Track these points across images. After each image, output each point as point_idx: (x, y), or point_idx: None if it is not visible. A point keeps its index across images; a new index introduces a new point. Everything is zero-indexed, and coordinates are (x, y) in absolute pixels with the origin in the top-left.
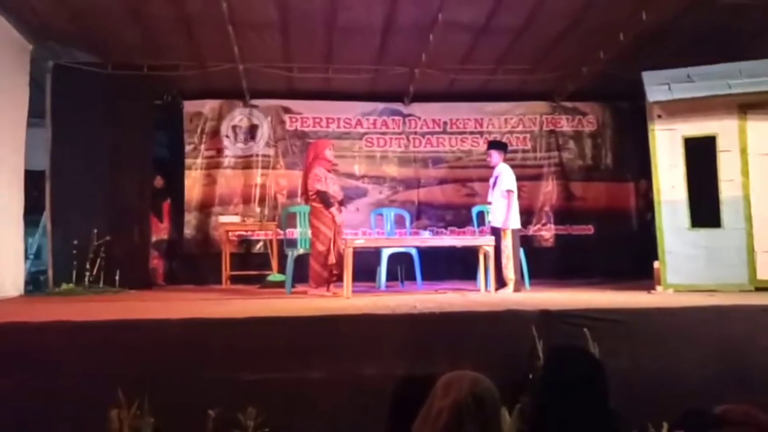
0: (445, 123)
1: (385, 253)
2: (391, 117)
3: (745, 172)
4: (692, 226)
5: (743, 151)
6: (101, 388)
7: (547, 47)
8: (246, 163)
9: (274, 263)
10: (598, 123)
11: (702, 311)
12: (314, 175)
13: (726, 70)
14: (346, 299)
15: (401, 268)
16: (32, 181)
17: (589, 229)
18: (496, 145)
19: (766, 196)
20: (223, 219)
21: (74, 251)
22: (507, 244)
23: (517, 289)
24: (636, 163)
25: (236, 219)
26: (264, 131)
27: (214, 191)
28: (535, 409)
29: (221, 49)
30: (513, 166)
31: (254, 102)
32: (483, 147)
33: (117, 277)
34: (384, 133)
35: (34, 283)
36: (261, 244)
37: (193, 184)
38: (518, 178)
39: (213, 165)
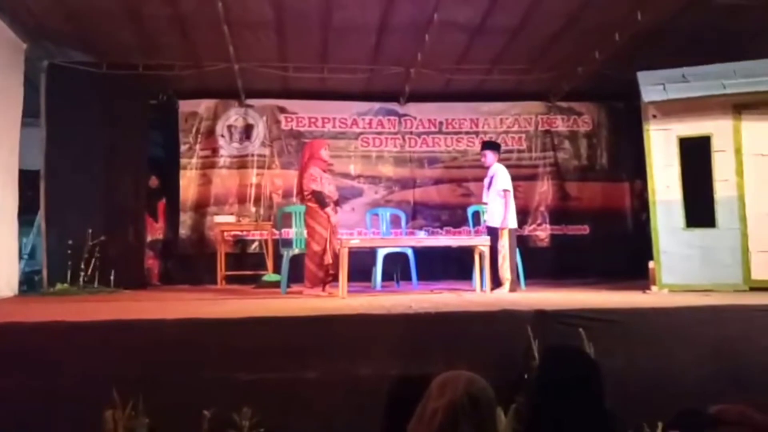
0: (440, 123)
1: (381, 253)
2: (386, 117)
3: (739, 172)
4: (687, 226)
5: (738, 152)
6: (96, 389)
7: (542, 47)
8: (241, 162)
9: (270, 263)
10: (594, 123)
11: (697, 311)
12: (310, 175)
13: (721, 71)
14: (342, 299)
15: (397, 268)
16: (27, 180)
17: (584, 229)
18: (490, 145)
19: (760, 196)
20: (218, 219)
21: (69, 251)
22: (504, 243)
23: (512, 289)
24: (631, 163)
25: (231, 219)
26: (259, 131)
27: (210, 191)
28: (530, 409)
29: (216, 49)
30: (508, 166)
31: (250, 102)
32: (478, 147)
33: (112, 277)
34: (380, 133)
35: (29, 283)
36: (256, 244)
37: (189, 183)
38: (513, 178)
39: (208, 165)
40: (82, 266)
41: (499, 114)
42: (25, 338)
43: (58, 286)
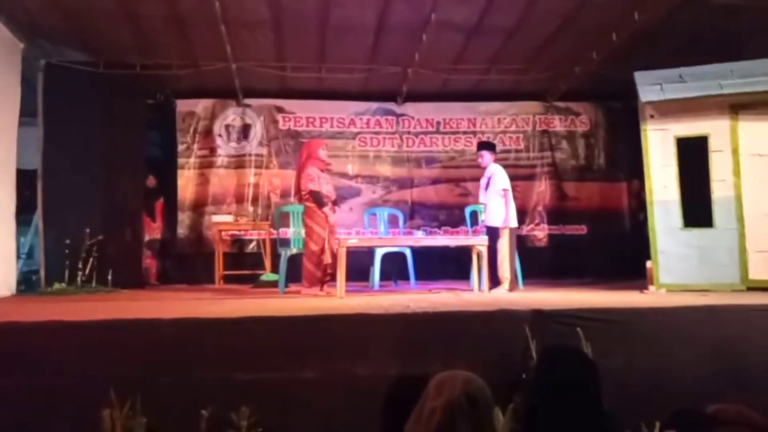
0: (438, 123)
1: (379, 253)
2: (384, 117)
3: (736, 172)
4: (684, 226)
5: (735, 152)
6: (93, 388)
7: (539, 47)
8: (239, 162)
9: (267, 263)
10: (591, 123)
11: (694, 311)
12: (307, 174)
13: (718, 71)
14: (340, 299)
15: (395, 267)
16: (24, 180)
17: (582, 229)
18: (486, 145)
19: (757, 196)
20: (216, 218)
21: (66, 251)
22: (503, 243)
23: (511, 289)
24: (628, 163)
25: (229, 218)
26: (257, 131)
27: (207, 191)
28: (528, 409)
29: (214, 48)
30: (506, 166)
31: (247, 101)
32: (476, 147)
33: (109, 277)
34: (377, 133)
35: (27, 283)
36: (254, 243)
37: (186, 183)
38: (511, 178)
39: (206, 164)
40: (80, 266)
41: (497, 114)
42: (23, 338)
43: (56, 285)
